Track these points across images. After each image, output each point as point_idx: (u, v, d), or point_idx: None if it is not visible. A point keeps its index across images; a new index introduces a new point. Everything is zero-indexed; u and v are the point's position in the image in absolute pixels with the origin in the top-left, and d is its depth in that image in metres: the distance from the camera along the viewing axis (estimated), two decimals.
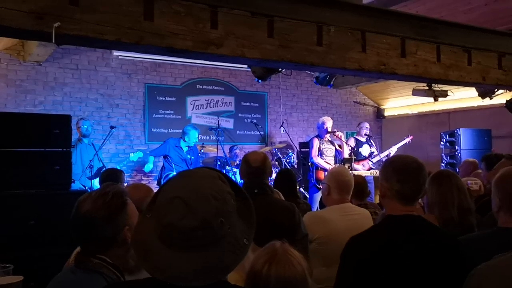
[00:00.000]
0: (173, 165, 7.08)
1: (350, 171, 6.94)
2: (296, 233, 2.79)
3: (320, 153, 7.09)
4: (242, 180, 3.03)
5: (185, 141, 7.20)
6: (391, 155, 7.69)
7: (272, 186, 4.44)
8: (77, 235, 1.65)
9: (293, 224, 2.80)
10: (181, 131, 7.46)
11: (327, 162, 7.03)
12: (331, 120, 7.32)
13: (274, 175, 8.05)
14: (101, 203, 1.61)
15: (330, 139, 7.27)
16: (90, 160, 6.26)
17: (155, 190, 1.43)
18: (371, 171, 7.68)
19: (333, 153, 7.23)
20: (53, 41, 2.45)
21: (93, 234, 1.61)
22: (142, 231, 1.17)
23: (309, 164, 7.21)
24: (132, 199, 1.77)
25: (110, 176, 4.09)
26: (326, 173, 6.51)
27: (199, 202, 1.10)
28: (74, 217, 1.63)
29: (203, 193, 1.12)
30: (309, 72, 9.06)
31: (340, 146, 7.42)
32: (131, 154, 7.34)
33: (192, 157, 7.25)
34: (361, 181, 3.90)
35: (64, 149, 3.77)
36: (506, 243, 1.48)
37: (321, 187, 4.07)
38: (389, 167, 2.02)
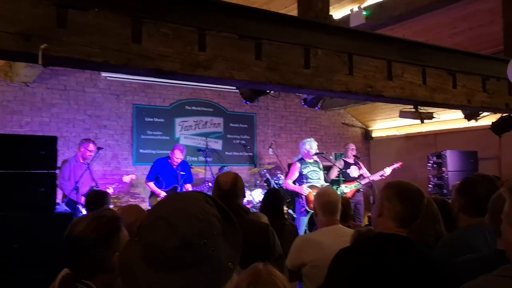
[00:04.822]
0: (164, 182, 7.06)
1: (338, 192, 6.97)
2: (271, 253, 2.78)
3: (305, 177, 6.84)
4: None
5: (170, 158, 7.25)
6: (386, 174, 7.74)
7: (260, 205, 4.40)
8: (67, 256, 1.63)
9: (267, 244, 2.81)
10: (169, 152, 7.47)
11: (313, 186, 6.78)
12: (315, 142, 7.07)
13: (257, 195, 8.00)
14: (94, 226, 1.61)
15: (317, 160, 7.10)
16: (81, 176, 6.22)
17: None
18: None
19: (319, 175, 6.98)
20: (40, 63, 2.43)
21: (84, 256, 1.60)
22: (127, 254, 1.16)
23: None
24: (125, 222, 1.76)
25: (95, 198, 4.05)
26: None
27: (181, 222, 1.10)
28: (67, 237, 1.62)
29: (187, 214, 1.11)
30: (297, 94, 9.13)
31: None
32: (125, 176, 7.34)
33: (183, 173, 7.23)
34: (344, 202, 3.87)
35: (50, 171, 3.73)
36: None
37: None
38: (394, 188, 2.11)
